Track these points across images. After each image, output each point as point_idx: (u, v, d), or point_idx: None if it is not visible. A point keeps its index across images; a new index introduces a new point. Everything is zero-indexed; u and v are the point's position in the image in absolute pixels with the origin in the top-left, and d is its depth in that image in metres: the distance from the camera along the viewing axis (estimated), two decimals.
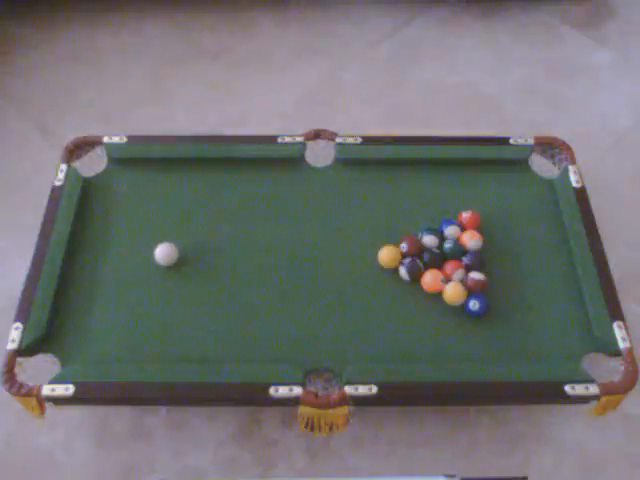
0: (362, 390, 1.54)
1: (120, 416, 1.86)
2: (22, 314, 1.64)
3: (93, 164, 1.99)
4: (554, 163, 2.03)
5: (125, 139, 2.01)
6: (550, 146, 2.03)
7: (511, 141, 2.03)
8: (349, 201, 1.94)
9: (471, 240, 1.79)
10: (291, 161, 2.01)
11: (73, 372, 1.57)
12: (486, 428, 1.85)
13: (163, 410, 1.87)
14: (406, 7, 3.09)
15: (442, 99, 2.74)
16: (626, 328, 1.65)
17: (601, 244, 1.81)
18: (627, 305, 1.77)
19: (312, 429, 1.58)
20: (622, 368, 1.59)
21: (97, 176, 1.97)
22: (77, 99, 2.72)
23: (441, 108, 2.70)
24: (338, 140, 2.02)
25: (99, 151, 2.00)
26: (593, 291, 1.72)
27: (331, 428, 1.58)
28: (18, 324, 1.62)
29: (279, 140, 2.02)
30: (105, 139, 2.00)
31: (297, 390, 1.53)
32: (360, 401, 1.55)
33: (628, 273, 2.07)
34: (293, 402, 1.54)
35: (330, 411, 1.53)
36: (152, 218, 1.88)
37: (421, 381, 1.57)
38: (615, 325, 1.65)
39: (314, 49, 2.93)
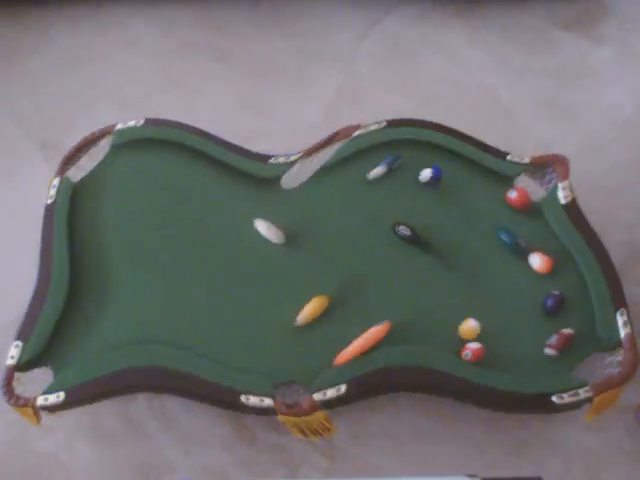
0: (331, 393, 1.59)
1: (106, 414, 1.91)
2: (23, 334, 1.72)
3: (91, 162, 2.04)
4: (541, 184, 2.02)
5: (142, 122, 2.07)
6: (542, 166, 2.02)
7: (508, 158, 2.04)
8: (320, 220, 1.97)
9: None
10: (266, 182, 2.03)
11: (63, 379, 1.66)
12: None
13: (171, 409, 1.92)
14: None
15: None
16: (627, 312, 1.66)
17: (605, 250, 1.82)
18: (627, 287, 1.76)
19: (305, 435, 1.63)
20: (620, 359, 1.59)
21: (90, 174, 2.02)
22: (79, 104, 2.70)
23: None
24: (358, 132, 2.06)
25: (103, 143, 2.05)
26: (599, 296, 1.73)
27: (318, 433, 1.63)
28: (18, 342, 1.71)
29: (271, 161, 2.06)
30: (118, 126, 2.05)
31: (268, 401, 1.59)
32: (333, 403, 1.60)
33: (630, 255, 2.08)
34: (268, 411, 1.60)
35: (306, 418, 1.59)
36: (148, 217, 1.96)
37: (387, 367, 1.61)
38: (618, 314, 1.66)
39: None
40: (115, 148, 2.07)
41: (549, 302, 1.75)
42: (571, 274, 1.80)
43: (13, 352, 1.71)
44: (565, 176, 1.95)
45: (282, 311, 1.76)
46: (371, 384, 1.63)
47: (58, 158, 2.09)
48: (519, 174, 2.01)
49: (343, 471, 1.80)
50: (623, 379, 1.56)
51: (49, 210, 1.96)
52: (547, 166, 2.01)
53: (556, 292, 1.76)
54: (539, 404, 1.59)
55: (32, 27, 2.95)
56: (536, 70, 2.80)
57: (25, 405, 1.63)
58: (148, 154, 2.06)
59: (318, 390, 1.60)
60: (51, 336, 1.73)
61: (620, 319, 1.66)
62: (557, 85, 2.75)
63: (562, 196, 1.92)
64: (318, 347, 1.71)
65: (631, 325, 1.67)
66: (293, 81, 2.79)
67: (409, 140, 2.04)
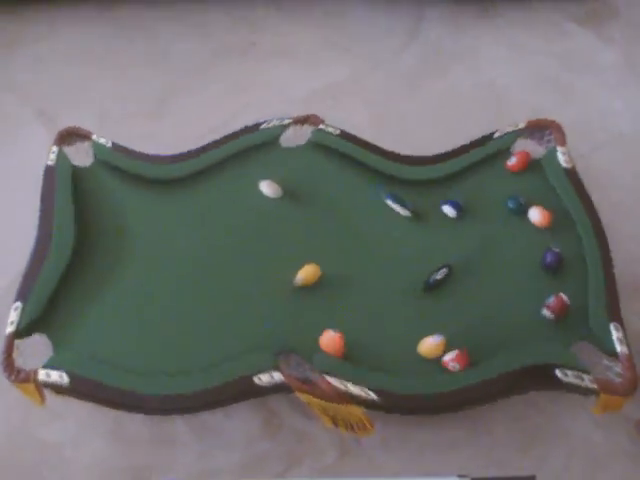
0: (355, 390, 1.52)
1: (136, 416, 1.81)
2: (22, 294, 1.66)
3: (81, 157, 2.02)
4: (541, 144, 2.02)
5: (110, 144, 2.02)
6: (539, 129, 2.02)
7: (495, 135, 2.03)
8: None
9: None
10: (265, 145, 2.02)
11: (66, 359, 1.60)
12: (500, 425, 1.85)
13: None
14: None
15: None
16: (624, 331, 1.63)
17: (600, 223, 1.82)
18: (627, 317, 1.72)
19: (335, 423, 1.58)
20: (619, 370, 1.57)
21: (85, 168, 1.99)
22: (80, 94, 2.72)
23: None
24: (320, 126, 2.04)
25: (87, 146, 2.03)
26: (596, 280, 1.71)
27: (352, 428, 1.57)
28: (18, 304, 1.64)
29: (263, 125, 2.04)
30: (94, 137, 2.02)
31: (277, 375, 1.55)
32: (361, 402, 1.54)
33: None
34: (283, 388, 1.56)
35: (342, 409, 1.54)
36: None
37: (424, 393, 1.56)
38: (612, 326, 1.63)
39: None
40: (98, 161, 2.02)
41: (548, 257, 1.75)
42: (570, 234, 1.81)
43: (13, 316, 1.63)
44: (563, 142, 1.97)
45: (274, 278, 1.76)
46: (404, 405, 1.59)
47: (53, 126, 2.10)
48: (514, 142, 2.03)
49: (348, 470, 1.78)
50: (625, 392, 1.54)
51: (50, 170, 1.93)
52: (544, 128, 2.02)
53: (556, 249, 1.75)
54: (543, 376, 1.57)
55: (37, 18, 3.01)
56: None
57: (26, 380, 1.54)
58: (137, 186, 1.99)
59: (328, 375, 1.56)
60: (51, 297, 1.67)
61: (615, 333, 1.62)
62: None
63: (563, 160, 1.94)
64: (311, 316, 1.70)
65: (626, 339, 1.63)
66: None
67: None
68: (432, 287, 1.75)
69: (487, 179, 1.98)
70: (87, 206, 1.90)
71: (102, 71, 2.82)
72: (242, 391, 1.58)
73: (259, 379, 1.55)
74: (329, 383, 1.54)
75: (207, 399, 1.57)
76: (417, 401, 1.56)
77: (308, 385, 1.54)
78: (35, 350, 1.63)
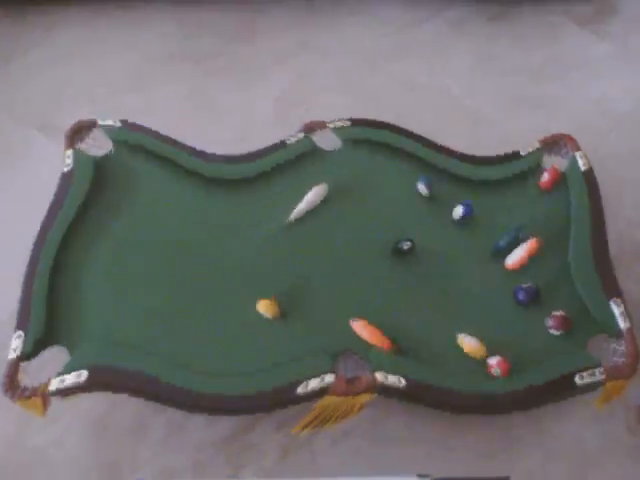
0: (391, 380, 1.50)
1: (123, 412, 1.80)
2: (22, 321, 1.59)
3: (97, 146, 1.95)
4: (562, 156, 2.04)
5: (119, 123, 1.97)
6: (554, 144, 2.04)
7: (522, 153, 2.04)
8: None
9: None
10: (306, 155, 1.98)
11: (84, 355, 1.53)
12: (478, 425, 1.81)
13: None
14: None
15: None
16: (624, 303, 1.64)
17: (604, 226, 1.81)
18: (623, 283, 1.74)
19: (322, 423, 1.53)
20: (622, 349, 1.58)
21: (107, 156, 1.93)
22: (75, 97, 2.66)
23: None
24: (329, 126, 2.02)
25: (99, 133, 1.96)
26: (587, 270, 1.72)
27: (344, 416, 1.53)
28: (20, 332, 1.57)
29: (288, 142, 2.00)
30: (99, 122, 1.96)
31: (329, 378, 1.49)
32: (388, 391, 1.51)
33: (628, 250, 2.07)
34: (321, 393, 1.49)
35: (354, 399, 1.50)
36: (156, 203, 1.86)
37: (455, 389, 1.54)
38: (612, 303, 1.65)
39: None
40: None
41: (519, 295, 1.72)
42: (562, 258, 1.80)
43: (15, 344, 1.55)
44: (577, 147, 2.00)
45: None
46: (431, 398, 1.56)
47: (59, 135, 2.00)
48: (541, 158, 2.03)
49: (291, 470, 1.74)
50: (629, 370, 1.55)
51: (66, 177, 1.85)
52: (559, 140, 2.05)
53: (527, 285, 1.72)
54: (561, 385, 1.57)
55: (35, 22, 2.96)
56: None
57: (33, 395, 1.47)
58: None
59: (380, 371, 1.53)
60: (48, 312, 1.60)
61: (616, 309, 1.65)
62: None
63: (581, 163, 1.95)
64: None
65: (627, 310, 1.65)
66: None
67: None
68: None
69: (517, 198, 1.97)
70: (109, 192, 1.85)
71: (98, 71, 2.78)
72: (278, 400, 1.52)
73: (305, 386, 1.49)
74: (374, 379, 1.51)
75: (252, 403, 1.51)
76: (449, 396, 1.55)
77: (351, 384, 1.50)
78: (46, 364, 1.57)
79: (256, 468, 1.73)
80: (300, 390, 1.47)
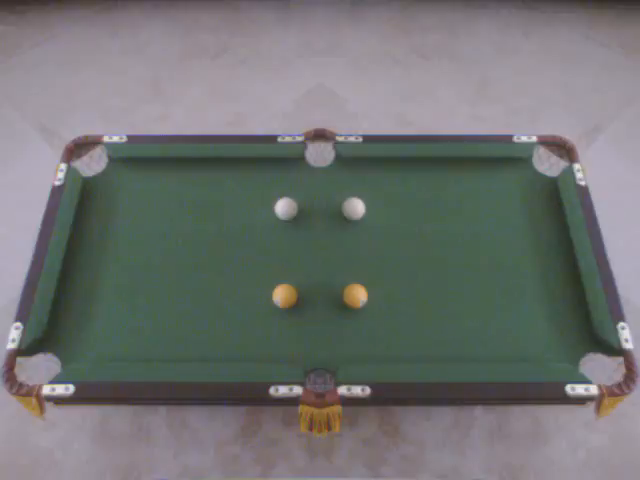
0: (355, 391, 1.54)
1: (120, 416, 1.86)
2: (22, 314, 1.63)
3: (93, 164, 1.98)
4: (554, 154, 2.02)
5: (125, 139, 1.99)
6: (553, 145, 2.01)
7: (514, 139, 2.02)
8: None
9: None
10: (291, 161, 1.99)
11: (73, 372, 1.57)
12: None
13: (163, 410, 1.87)
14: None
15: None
16: (629, 328, 1.63)
17: (602, 244, 1.79)
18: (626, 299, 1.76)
19: (312, 429, 1.58)
20: (621, 367, 1.58)
21: (97, 176, 1.96)
22: (77, 98, 2.71)
23: None
24: (339, 139, 2.00)
25: (99, 150, 1.98)
26: (595, 293, 1.70)
27: (327, 427, 1.57)
28: (18, 324, 1.61)
29: (279, 140, 2.00)
30: (105, 139, 1.98)
31: (297, 389, 1.53)
32: (353, 401, 1.55)
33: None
34: (292, 402, 1.54)
35: (325, 410, 1.53)
36: (152, 217, 1.88)
37: (415, 382, 1.57)
38: (619, 327, 1.63)
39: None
40: (115, 160, 2.00)
41: None
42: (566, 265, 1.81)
43: (13, 334, 1.60)
44: (576, 158, 1.97)
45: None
46: (395, 395, 1.60)
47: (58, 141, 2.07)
48: (532, 152, 2.01)
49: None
50: (627, 389, 1.56)
51: (56, 191, 1.88)
52: (557, 142, 2.02)
53: None
54: (552, 391, 1.57)
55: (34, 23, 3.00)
56: None
57: (28, 394, 1.52)
58: (157, 170, 1.99)
59: (344, 384, 1.56)
60: (50, 317, 1.65)
61: (622, 333, 1.64)
62: None
63: (578, 177, 1.93)
64: (349, 337, 1.69)
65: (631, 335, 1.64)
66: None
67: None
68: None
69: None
70: (97, 215, 1.89)
71: (96, 71, 2.83)
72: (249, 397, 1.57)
73: (276, 390, 1.53)
74: (336, 394, 1.54)
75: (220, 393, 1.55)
76: (412, 391, 1.57)
77: (319, 398, 1.54)
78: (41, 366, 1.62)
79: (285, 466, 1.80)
80: (272, 392, 1.52)
